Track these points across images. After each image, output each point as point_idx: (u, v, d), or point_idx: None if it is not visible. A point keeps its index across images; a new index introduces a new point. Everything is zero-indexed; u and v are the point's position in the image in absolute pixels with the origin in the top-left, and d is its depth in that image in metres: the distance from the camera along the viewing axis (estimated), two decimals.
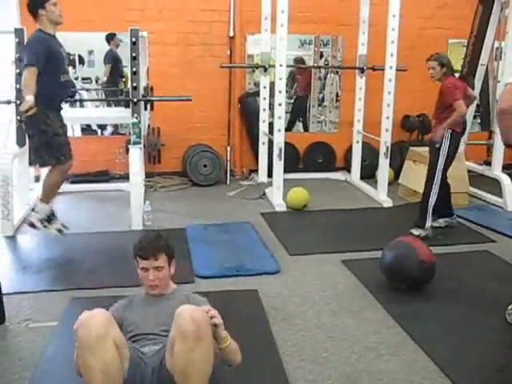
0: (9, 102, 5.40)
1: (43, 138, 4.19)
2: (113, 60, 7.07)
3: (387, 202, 5.67)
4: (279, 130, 5.48)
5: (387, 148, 5.65)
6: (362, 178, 6.56)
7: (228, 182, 6.65)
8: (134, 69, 5.36)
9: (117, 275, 3.87)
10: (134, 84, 5.39)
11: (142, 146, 5.27)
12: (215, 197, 6.09)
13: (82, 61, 9.83)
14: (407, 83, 6.38)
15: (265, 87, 6.17)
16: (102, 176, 6.56)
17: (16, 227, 4.92)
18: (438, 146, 4.50)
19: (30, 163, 4.96)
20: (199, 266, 4.00)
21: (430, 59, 4.60)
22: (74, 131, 7.55)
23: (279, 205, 5.53)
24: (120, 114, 6.04)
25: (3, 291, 3.22)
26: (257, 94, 6.47)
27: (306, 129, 7.46)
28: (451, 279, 3.79)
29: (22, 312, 3.27)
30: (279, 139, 5.50)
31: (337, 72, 7.26)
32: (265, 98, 6.17)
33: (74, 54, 9.37)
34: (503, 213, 5.62)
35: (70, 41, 8.35)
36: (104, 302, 3.25)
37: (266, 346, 2.89)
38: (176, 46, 6.53)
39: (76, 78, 8.98)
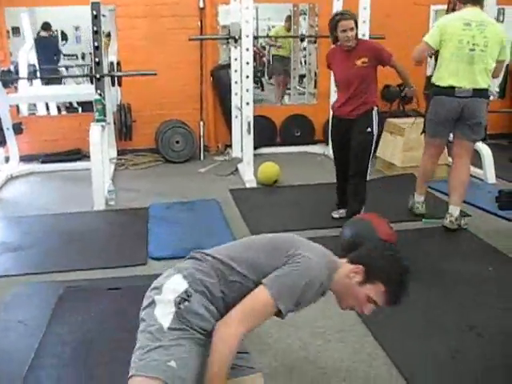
0: None
1: None
2: None
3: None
4: (248, 104, 5.28)
5: None
6: None
7: (202, 158, 6.48)
8: (96, 43, 5.17)
9: (74, 257, 3.77)
10: (97, 59, 5.20)
11: (105, 123, 5.09)
12: (186, 174, 5.92)
13: (65, 37, 9.68)
14: None
15: (236, 59, 5.93)
16: (74, 155, 6.38)
17: None
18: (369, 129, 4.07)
19: None
20: (154, 247, 3.86)
21: (346, 18, 3.92)
22: (49, 109, 7.41)
23: (249, 181, 5.36)
24: (86, 91, 5.86)
25: None
26: (229, 66, 6.24)
27: None
28: (415, 258, 3.62)
29: None
30: (248, 113, 5.30)
31: (314, 41, 7.02)
32: (236, 71, 5.94)
33: (56, 30, 9.24)
34: (483, 185, 5.44)
35: (54, 16, 8.24)
36: (58, 287, 3.20)
37: None
38: (144, 19, 6.27)
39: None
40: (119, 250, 3.90)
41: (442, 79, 4.03)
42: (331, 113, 4.38)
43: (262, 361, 2.51)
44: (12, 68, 6.22)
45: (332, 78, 5.89)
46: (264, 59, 10.81)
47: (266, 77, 10.72)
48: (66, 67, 9.33)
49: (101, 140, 4.79)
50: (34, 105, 7.26)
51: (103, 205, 4.75)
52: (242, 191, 5.21)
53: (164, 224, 4.32)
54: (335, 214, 4.40)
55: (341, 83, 4.20)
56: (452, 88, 3.96)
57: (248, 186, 5.34)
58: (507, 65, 7.37)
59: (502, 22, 6.88)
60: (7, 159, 6.22)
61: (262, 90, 10.22)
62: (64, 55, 9.42)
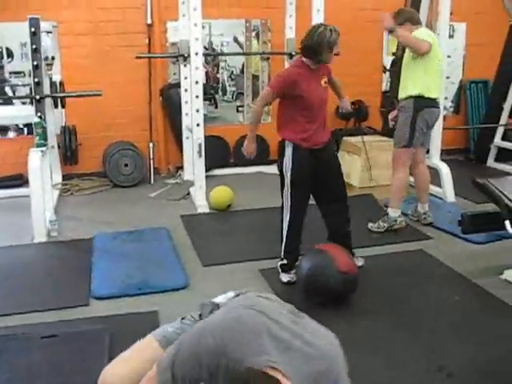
0: None
1: None
2: None
3: None
4: (198, 125, 5.03)
5: None
6: None
7: (152, 182, 6.17)
8: (35, 62, 4.80)
9: (6, 299, 3.41)
10: (36, 79, 4.86)
11: (46, 147, 4.75)
12: (135, 199, 5.60)
13: (10, 54, 9.24)
14: (342, 68, 5.98)
15: (186, 78, 5.68)
16: (14, 180, 5.98)
17: None
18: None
19: None
20: (98, 285, 3.54)
21: (338, 34, 3.48)
22: None
23: (201, 206, 5.09)
24: (27, 113, 5.49)
25: None
26: (179, 85, 5.98)
27: None
28: (379, 287, 3.46)
29: None
30: (198, 134, 5.05)
31: (267, 58, 6.83)
32: (186, 90, 5.69)
33: (1, 47, 8.79)
34: (442, 204, 5.30)
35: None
36: None
37: None
38: (88, 36, 5.96)
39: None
40: (58, 289, 3.55)
41: (431, 91, 4.27)
42: (291, 145, 3.48)
43: None
44: None
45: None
46: (218, 75, 10.60)
47: (220, 93, 10.50)
48: (12, 86, 8.90)
49: (41, 166, 4.45)
50: None
51: (44, 236, 4.39)
52: (193, 217, 4.94)
53: (109, 257, 4.00)
54: (285, 278, 3.59)
55: (314, 107, 3.48)
56: (436, 99, 4.35)
57: (200, 211, 5.06)
58: (460, 81, 7.44)
59: (452, 37, 6.88)
60: None
61: (216, 107, 10.00)
62: (10, 73, 9.00)
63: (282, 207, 3.58)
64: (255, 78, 7.66)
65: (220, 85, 10.72)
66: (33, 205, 4.36)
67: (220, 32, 10.56)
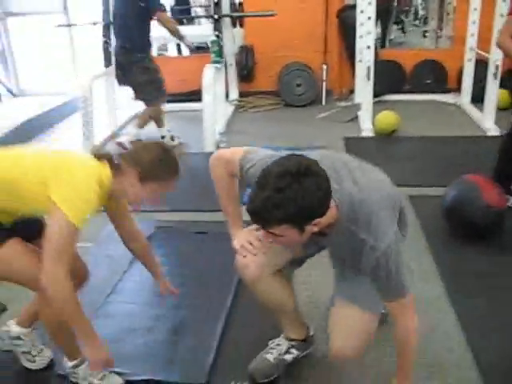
0: (95, 23, 5.42)
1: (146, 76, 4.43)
2: None
3: (493, 131, 4.94)
4: (368, 47, 4.94)
5: (497, 67, 4.87)
6: (476, 101, 5.76)
7: (323, 103, 6.25)
8: None
9: (171, 198, 3.80)
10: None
11: (221, 64, 5.07)
12: (304, 118, 5.76)
13: None
14: None
15: None
16: (196, 95, 6.44)
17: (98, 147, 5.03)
18: None
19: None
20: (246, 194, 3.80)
21: None
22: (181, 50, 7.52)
23: (366, 129, 5.08)
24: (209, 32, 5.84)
25: None
26: (355, 6, 5.85)
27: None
28: None
29: None
30: (368, 57, 4.97)
31: None
32: (362, 11, 5.56)
33: None
34: None
35: None
36: (150, 227, 3.28)
37: None
38: None
39: None
40: (214, 195, 3.88)
41: None
42: None
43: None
44: None
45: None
46: None
47: (412, 17, 10.03)
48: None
49: (214, 81, 4.77)
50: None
51: (212, 146, 4.76)
52: (355, 140, 4.96)
53: None
54: None
55: None
56: None
57: (364, 134, 5.07)
58: None
59: None
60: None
61: (403, 32, 9.60)
62: None
63: None
64: (442, 0, 7.19)
65: (412, 8, 10.23)
66: (204, 117, 4.74)
67: None
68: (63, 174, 1.76)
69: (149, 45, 4.60)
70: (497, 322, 2.38)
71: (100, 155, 1.90)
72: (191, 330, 2.40)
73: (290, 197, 1.41)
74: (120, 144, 4.56)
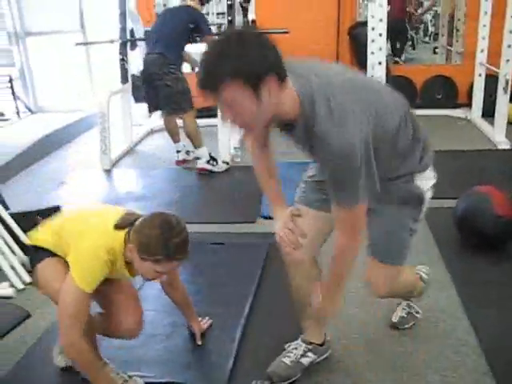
0: (112, 41, 5.56)
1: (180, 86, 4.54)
2: None
3: (503, 144, 5.01)
4: (380, 63, 5.04)
5: (507, 81, 4.95)
6: (487, 115, 5.83)
7: None
8: (230, 2, 5.22)
9: (189, 210, 3.94)
10: (230, 18, 5.28)
11: None
12: None
13: None
14: None
15: (373, 16, 5.64)
16: (212, 111, 6.55)
17: (114, 162, 5.14)
18: None
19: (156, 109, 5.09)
20: (267, 206, 3.87)
21: None
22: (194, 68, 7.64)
23: None
24: None
25: None
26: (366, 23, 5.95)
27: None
28: None
29: None
30: (380, 73, 5.06)
31: None
32: (373, 28, 5.66)
33: None
34: None
35: None
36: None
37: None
38: None
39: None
40: (232, 207, 4.00)
41: None
42: None
43: (343, 330, 2.45)
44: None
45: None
46: (422, 17, 10.22)
47: (421, 34, 10.15)
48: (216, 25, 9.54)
49: None
50: None
51: (228, 161, 4.85)
52: None
53: (282, 184, 4.31)
54: None
55: None
56: None
57: None
58: None
59: None
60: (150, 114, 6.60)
61: (413, 48, 9.73)
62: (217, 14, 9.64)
63: None
64: (452, 17, 7.30)
65: (422, 25, 10.36)
66: (220, 133, 4.84)
67: None
68: (79, 239, 1.88)
69: (181, 60, 4.75)
70: (510, 330, 2.43)
71: (121, 226, 1.90)
72: (210, 336, 2.46)
73: (233, 51, 1.40)
74: (202, 169, 4.72)
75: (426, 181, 1.87)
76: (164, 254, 1.77)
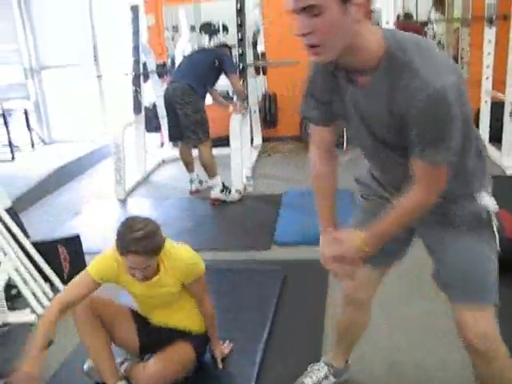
0: (126, 74, 5.70)
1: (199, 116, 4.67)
2: None
3: (511, 169, 5.08)
4: None
5: None
6: (494, 140, 5.87)
7: (346, 147, 6.42)
8: (240, 35, 5.37)
9: (203, 238, 4.04)
10: (241, 51, 5.40)
11: (245, 112, 5.29)
12: None
13: (225, 28, 10.09)
14: None
15: None
16: (223, 141, 6.66)
17: (128, 191, 5.23)
18: None
19: (178, 139, 5.14)
20: (280, 233, 3.96)
21: None
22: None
23: None
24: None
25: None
26: None
27: None
28: None
29: None
30: None
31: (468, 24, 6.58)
32: None
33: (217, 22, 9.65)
34: None
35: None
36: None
37: (312, 319, 2.81)
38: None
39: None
40: (247, 234, 4.07)
41: None
42: None
43: (364, 354, 2.48)
44: (169, 61, 6.70)
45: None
46: None
47: None
48: None
49: (240, 128, 4.98)
50: None
51: (241, 191, 4.92)
52: None
53: (295, 211, 4.39)
54: None
55: None
56: None
57: None
58: None
59: None
60: (162, 144, 6.73)
61: None
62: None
63: None
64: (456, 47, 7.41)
65: None
66: (232, 163, 4.92)
67: None
68: None
69: (205, 92, 4.88)
70: None
71: None
72: (230, 360, 2.50)
73: None
74: (216, 200, 4.80)
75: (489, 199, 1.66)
76: (121, 247, 2.04)
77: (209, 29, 8.17)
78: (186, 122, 4.65)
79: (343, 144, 6.00)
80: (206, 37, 8.12)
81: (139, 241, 2.00)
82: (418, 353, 2.50)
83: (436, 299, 2.08)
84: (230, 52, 5.20)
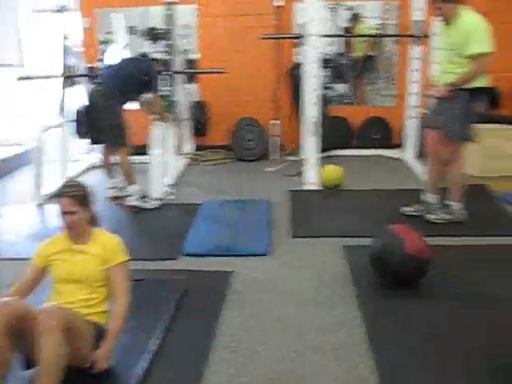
0: (55, 76, 5.58)
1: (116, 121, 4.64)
2: None
3: None
4: (315, 104, 5.15)
5: None
6: (421, 156, 5.97)
7: (273, 158, 6.44)
8: (170, 42, 5.33)
9: (144, 248, 3.91)
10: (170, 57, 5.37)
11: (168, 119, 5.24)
12: (254, 172, 5.93)
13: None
14: None
15: (306, 59, 5.80)
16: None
17: (48, 197, 5.07)
18: None
19: (98, 142, 5.08)
20: (191, 244, 3.90)
21: None
22: None
23: (310, 183, 5.24)
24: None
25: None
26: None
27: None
28: (455, 278, 3.31)
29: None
30: (312, 113, 5.19)
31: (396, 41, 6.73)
32: (307, 70, 5.81)
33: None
34: None
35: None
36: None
37: (203, 333, 2.74)
38: (224, 18, 6.35)
39: None
40: (156, 243, 4.01)
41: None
42: None
43: (246, 367, 2.45)
44: (99, 65, 6.59)
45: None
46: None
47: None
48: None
49: (161, 135, 4.92)
50: None
51: (160, 198, 4.85)
52: (300, 193, 5.11)
53: (210, 221, 4.35)
54: None
55: None
56: None
57: (307, 187, 5.22)
58: None
59: None
60: (92, 149, 6.58)
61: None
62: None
63: None
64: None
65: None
66: (151, 170, 4.85)
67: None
68: None
69: (125, 101, 4.81)
70: (411, 370, 2.45)
71: None
72: (118, 360, 2.41)
73: None
74: (133, 207, 4.73)
75: None
76: (56, 196, 2.46)
77: (152, 34, 8.10)
78: (103, 125, 4.62)
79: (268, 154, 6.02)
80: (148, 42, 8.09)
81: (69, 187, 2.45)
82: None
83: None
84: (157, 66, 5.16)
